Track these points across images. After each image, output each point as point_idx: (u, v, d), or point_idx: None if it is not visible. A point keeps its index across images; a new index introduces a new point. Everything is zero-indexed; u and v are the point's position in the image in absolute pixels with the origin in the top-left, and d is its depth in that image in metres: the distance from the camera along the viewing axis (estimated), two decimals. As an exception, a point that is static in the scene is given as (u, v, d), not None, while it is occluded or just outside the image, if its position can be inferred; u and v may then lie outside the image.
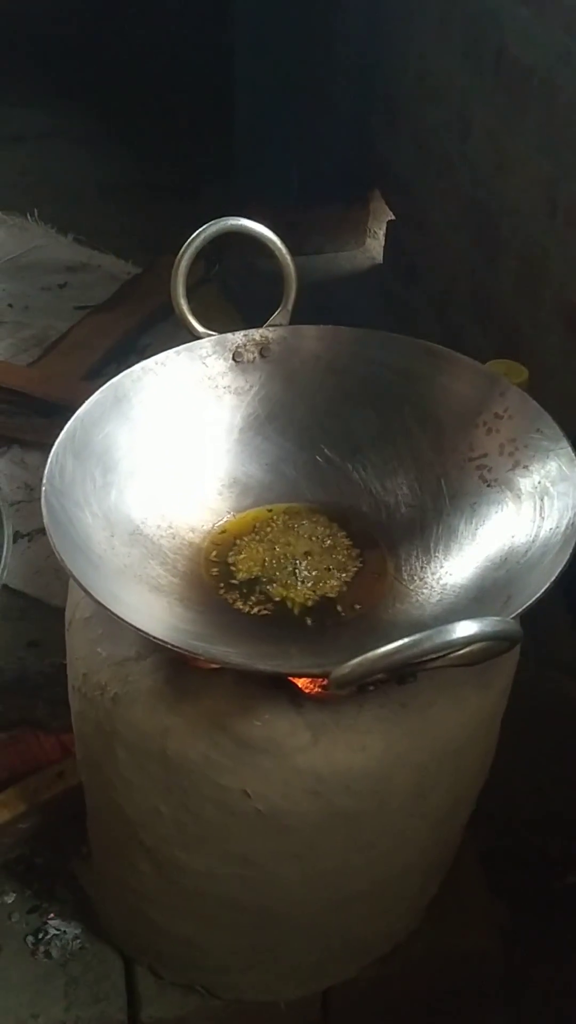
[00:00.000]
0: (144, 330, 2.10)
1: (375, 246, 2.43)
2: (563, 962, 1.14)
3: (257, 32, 2.19)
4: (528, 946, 1.13)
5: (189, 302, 1.01)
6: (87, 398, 0.95)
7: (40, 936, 1.07)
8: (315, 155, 2.30)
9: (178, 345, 1.02)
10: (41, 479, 0.87)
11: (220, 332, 1.03)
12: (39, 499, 0.85)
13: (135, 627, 0.77)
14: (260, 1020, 1.03)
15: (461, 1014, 1.09)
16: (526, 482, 0.92)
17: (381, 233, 2.37)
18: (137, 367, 0.99)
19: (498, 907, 1.11)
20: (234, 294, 2.13)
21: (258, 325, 1.04)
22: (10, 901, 1.10)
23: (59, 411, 1.74)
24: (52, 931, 1.07)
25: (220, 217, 1.01)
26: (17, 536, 1.64)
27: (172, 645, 0.76)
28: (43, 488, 0.86)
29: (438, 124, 1.96)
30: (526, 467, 0.92)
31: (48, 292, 2.24)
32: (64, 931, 1.07)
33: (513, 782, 1.10)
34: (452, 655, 0.73)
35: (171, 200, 2.46)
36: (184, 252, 1.00)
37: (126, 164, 2.69)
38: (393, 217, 2.29)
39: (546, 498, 0.89)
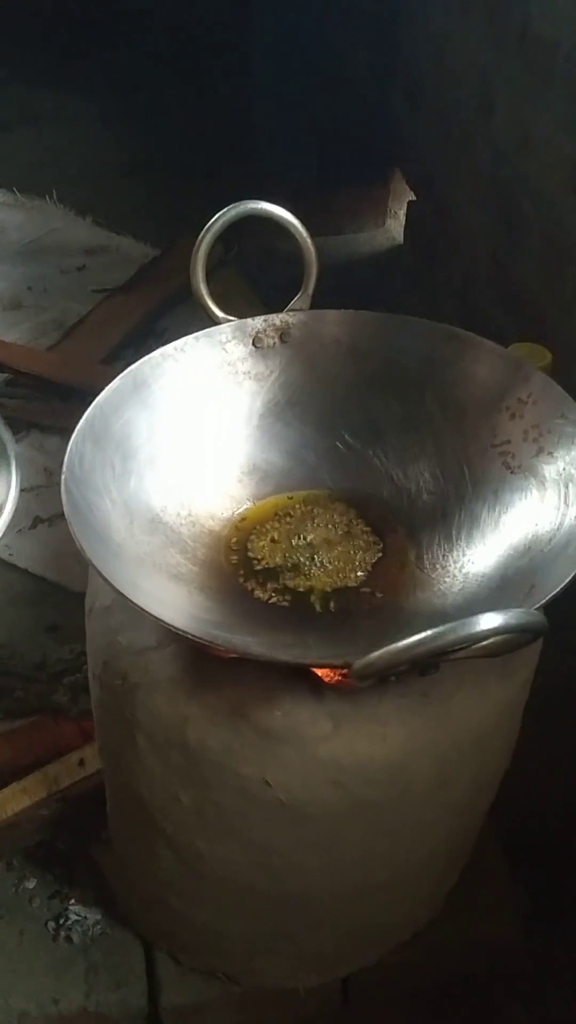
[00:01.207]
0: (162, 313, 2.09)
1: (396, 227, 2.41)
2: (585, 950, 1.14)
3: (276, 12, 2.17)
4: (549, 933, 1.13)
5: (208, 286, 1.00)
6: (106, 382, 0.94)
7: (61, 921, 1.07)
8: (335, 135, 2.28)
9: (196, 328, 1.01)
10: (60, 463, 0.86)
11: (239, 315, 1.01)
12: (58, 484, 0.85)
13: (156, 617, 0.76)
14: (280, 1006, 1.03)
15: (481, 1001, 1.09)
16: (550, 469, 0.90)
17: (402, 213, 2.35)
18: (156, 353, 0.98)
19: (519, 894, 1.11)
20: (253, 276, 2.11)
21: (277, 308, 1.03)
22: (31, 887, 1.10)
23: (78, 395, 1.74)
24: (73, 916, 1.08)
25: (238, 198, 0.99)
26: (37, 521, 1.64)
27: (193, 636, 0.76)
28: (63, 476, 0.85)
29: (460, 102, 1.94)
30: (551, 453, 0.91)
31: (67, 275, 2.23)
32: (85, 916, 1.08)
33: (534, 768, 1.09)
34: (475, 646, 0.73)
35: (189, 181, 2.44)
36: (204, 237, 0.99)
37: (144, 146, 2.68)
38: (414, 197, 2.27)
39: (571, 485, 0.88)
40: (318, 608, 0.90)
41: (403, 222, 2.33)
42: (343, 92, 2.25)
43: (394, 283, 2.25)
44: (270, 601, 0.90)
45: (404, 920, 1.02)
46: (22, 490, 1.75)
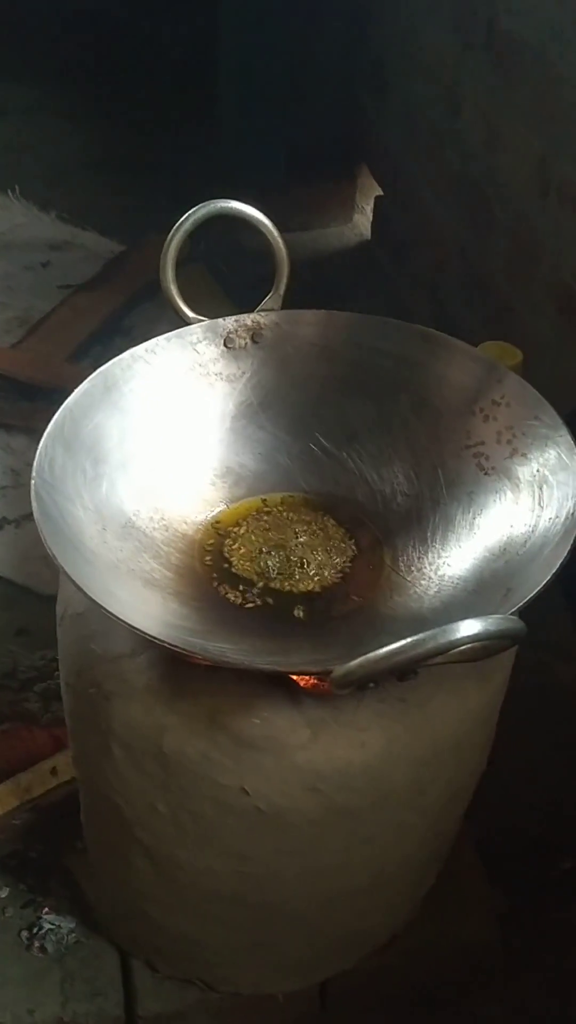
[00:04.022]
0: (129, 310, 2.07)
1: (363, 222, 2.41)
2: (562, 949, 1.14)
3: (243, 5, 2.15)
4: (526, 933, 1.13)
5: (180, 289, 0.99)
6: (72, 381, 0.92)
7: (35, 931, 1.06)
8: (301, 129, 2.27)
9: (164, 325, 0.99)
10: (26, 464, 0.85)
11: (207, 313, 1.00)
12: (25, 484, 0.83)
13: (131, 625, 0.75)
14: (258, 1013, 1.03)
15: (460, 1003, 1.09)
16: (524, 470, 0.90)
17: (369, 209, 2.35)
18: (126, 354, 0.97)
19: (495, 895, 1.11)
20: (219, 272, 2.10)
21: (245, 305, 1.02)
22: (3, 896, 1.08)
23: (43, 394, 1.72)
24: (47, 925, 1.06)
25: (205, 193, 0.98)
26: (3, 522, 1.62)
27: (169, 644, 0.75)
28: (33, 481, 0.84)
29: (428, 99, 1.93)
30: (524, 455, 0.91)
31: (31, 271, 2.20)
32: (59, 925, 1.06)
33: (508, 769, 1.09)
34: (454, 652, 0.72)
35: (155, 177, 2.42)
36: (173, 236, 0.97)
37: (110, 140, 2.65)
38: (381, 193, 2.26)
39: (545, 487, 0.88)
40: (294, 612, 0.89)
41: (371, 217, 2.33)
42: (310, 86, 2.24)
43: (362, 279, 2.24)
44: (245, 606, 0.90)
45: (382, 924, 1.02)
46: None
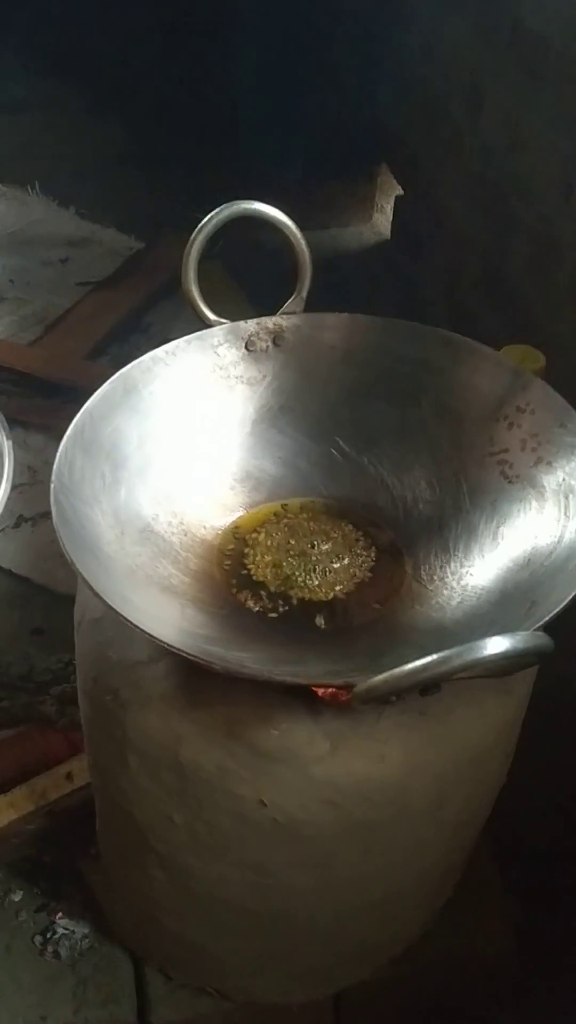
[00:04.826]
0: (148, 308, 2.06)
1: (382, 221, 2.39)
2: (578, 962, 1.13)
3: (262, 3, 2.13)
4: (544, 945, 1.12)
5: (202, 291, 0.98)
6: (90, 378, 0.92)
7: (48, 936, 1.05)
8: (321, 128, 2.25)
9: (182, 324, 0.98)
10: (43, 462, 0.84)
11: (226, 314, 0.99)
12: (42, 482, 0.83)
13: (148, 633, 0.74)
14: (272, 1022, 1.02)
15: (476, 1015, 1.08)
16: (550, 479, 0.89)
17: (389, 208, 2.33)
18: (147, 357, 0.96)
19: (512, 906, 1.10)
20: (237, 271, 2.08)
21: (265, 305, 1.01)
22: (17, 900, 1.08)
23: (62, 392, 1.71)
24: (60, 930, 1.06)
25: (224, 191, 0.98)
26: (20, 520, 1.61)
27: (186, 653, 0.74)
28: (52, 485, 0.83)
29: (448, 97, 1.91)
30: (550, 463, 0.89)
31: (50, 267, 2.20)
32: (73, 931, 1.06)
33: (526, 778, 1.08)
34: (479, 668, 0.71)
35: (174, 174, 2.40)
36: (195, 238, 0.96)
37: (129, 137, 2.63)
38: (401, 192, 2.24)
39: (571, 496, 0.86)
40: (314, 621, 0.88)
41: (390, 217, 2.31)
42: (330, 84, 2.22)
43: (381, 278, 2.23)
44: (264, 613, 0.88)
45: (398, 935, 1.01)
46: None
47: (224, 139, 2.35)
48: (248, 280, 2.02)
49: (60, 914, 1.07)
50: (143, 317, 2.04)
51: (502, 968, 1.07)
